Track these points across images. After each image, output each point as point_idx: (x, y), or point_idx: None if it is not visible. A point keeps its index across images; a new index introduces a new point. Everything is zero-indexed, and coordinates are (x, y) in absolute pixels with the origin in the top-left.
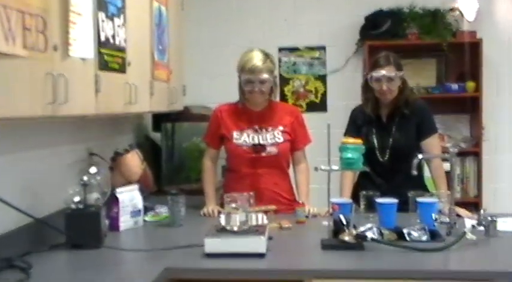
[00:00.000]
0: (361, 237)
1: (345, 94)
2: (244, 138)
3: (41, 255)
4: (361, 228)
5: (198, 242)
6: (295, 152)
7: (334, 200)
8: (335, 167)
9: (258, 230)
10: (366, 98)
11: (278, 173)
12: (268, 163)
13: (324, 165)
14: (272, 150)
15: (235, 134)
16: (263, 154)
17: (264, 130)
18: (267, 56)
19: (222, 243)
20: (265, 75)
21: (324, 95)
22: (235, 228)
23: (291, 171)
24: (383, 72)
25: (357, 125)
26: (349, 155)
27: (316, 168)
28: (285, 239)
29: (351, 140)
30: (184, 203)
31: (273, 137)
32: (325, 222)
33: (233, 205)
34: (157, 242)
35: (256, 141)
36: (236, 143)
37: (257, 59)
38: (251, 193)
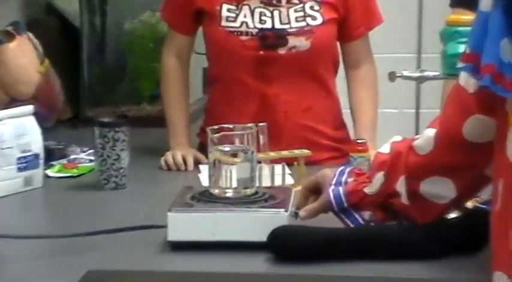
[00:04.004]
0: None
1: None
2: (242, 18)
3: None
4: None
5: (153, 220)
6: (349, 45)
7: None
8: (431, 73)
9: (274, 197)
10: None
11: (312, 88)
12: (293, 69)
13: (409, 70)
14: (299, 42)
15: (225, 10)
16: (281, 51)
17: (282, 2)
18: None
19: (201, 223)
20: None
21: None
22: (229, 194)
23: (340, 82)
24: None
25: None
26: (461, 49)
27: (391, 75)
28: (326, 216)
29: (465, 15)
30: (129, 142)
31: (301, 16)
32: None
33: (225, 148)
34: (74, 220)
35: (269, 25)
36: (227, 27)
37: None
38: (261, 124)
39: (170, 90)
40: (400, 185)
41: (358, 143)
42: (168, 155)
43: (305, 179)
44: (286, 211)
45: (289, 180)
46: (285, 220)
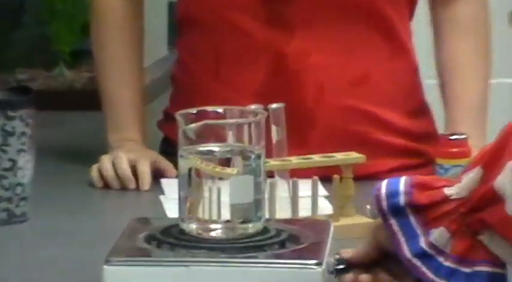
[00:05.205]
0: None
1: None
2: None
3: None
4: None
5: (75, 278)
6: None
7: None
8: None
9: (297, 239)
10: None
11: (369, 41)
12: (331, 7)
13: None
14: None
15: None
16: None
17: None
18: None
19: None
20: None
21: None
22: (217, 232)
23: (420, 33)
24: None
25: None
26: None
27: None
28: None
29: None
30: (33, 137)
31: None
32: None
33: (208, 149)
34: None
35: None
36: None
37: None
38: (274, 106)
39: (109, 43)
40: (504, 180)
41: (452, 140)
42: (105, 162)
43: (353, 206)
44: (319, 264)
45: (325, 208)
46: (318, 280)
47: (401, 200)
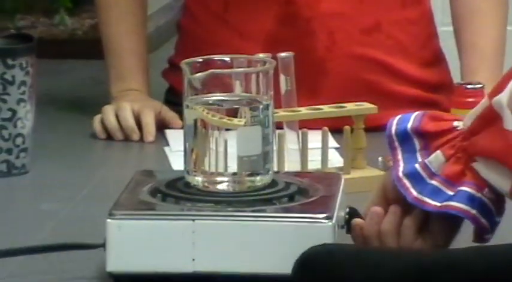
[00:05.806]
0: None
1: None
2: None
3: None
4: None
5: (78, 234)
6: None
7: None
8: None
9: (306, 192)
10: None
11: None
12: None
13: None
14: None
15: None
16: None
17: None
18: None
19: (170, 241)
20: None
21: None
22: (224, 185)
23: None
24: None
25: None
26: None
27: None
28: None
29: None
30: (34, 86)
31: None
32: None
33: (215, 99)
34: None
35: None
36: None
37: None
38: (283, 55)
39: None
40: (501, 96)
41: (468, 89)
42: (108, 112)
43: (364, 158)
44: (329, 217)
45: (336, 161)
46: (328, 235)
47: (409, 125)
